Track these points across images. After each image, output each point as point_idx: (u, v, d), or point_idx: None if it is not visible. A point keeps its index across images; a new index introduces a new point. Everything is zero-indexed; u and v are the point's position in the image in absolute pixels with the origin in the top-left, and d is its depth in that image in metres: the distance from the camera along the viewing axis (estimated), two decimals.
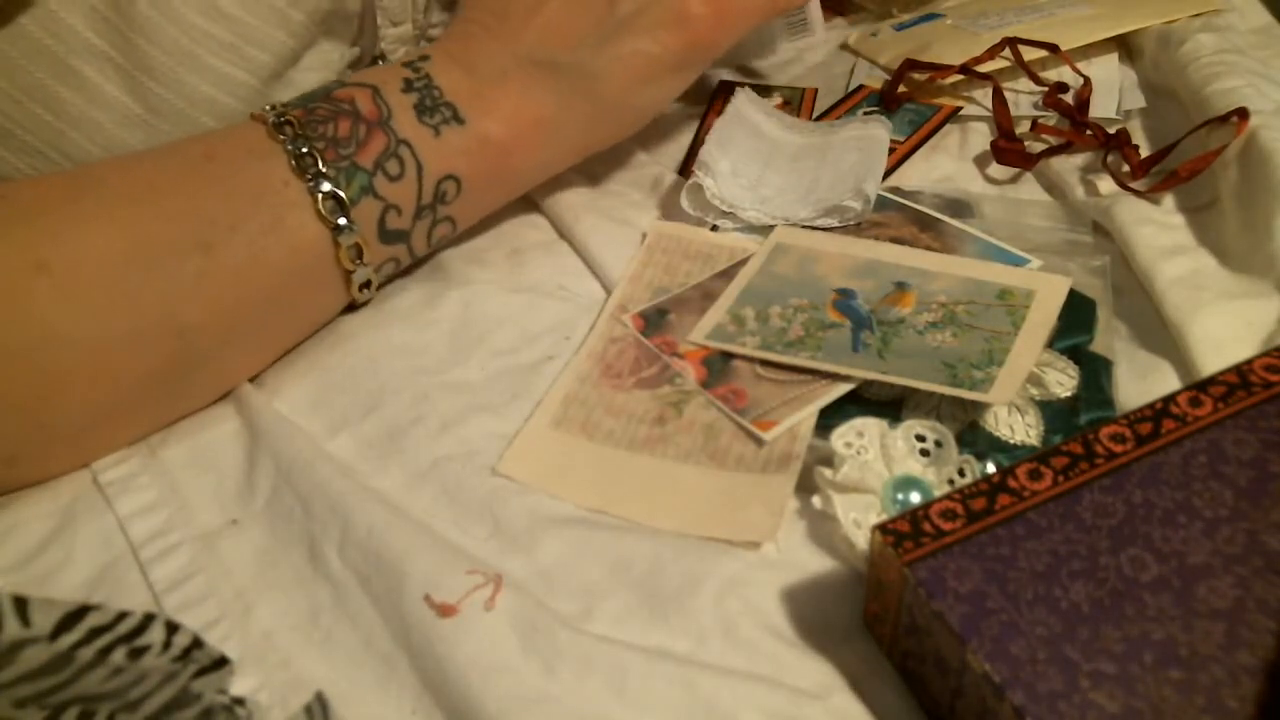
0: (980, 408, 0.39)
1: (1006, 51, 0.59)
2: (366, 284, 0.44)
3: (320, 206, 0.40)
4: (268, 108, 0.42)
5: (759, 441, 0.39)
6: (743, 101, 0.55)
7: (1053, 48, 0.58)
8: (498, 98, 0.45)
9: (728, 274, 0.46)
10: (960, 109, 0.57)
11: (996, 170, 0.54)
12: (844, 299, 0.44)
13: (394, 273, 0.45)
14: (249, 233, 0.39)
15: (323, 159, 0.41)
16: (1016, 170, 0.53)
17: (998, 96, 0.55)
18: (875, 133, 0.52)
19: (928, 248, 0.47)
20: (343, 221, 0.41)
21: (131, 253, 0.37)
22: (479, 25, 0.46)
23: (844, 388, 0.40)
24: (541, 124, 0.46)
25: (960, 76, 0.58)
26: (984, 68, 0.58)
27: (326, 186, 0.40)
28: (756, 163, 0.52)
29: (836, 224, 0.48)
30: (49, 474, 0.39)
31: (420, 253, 0.46)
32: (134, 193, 0.39)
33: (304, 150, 0.40)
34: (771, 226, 0.48)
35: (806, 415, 0.40)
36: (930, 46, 0.61)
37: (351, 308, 0.45)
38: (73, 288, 0.36)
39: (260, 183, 0.40)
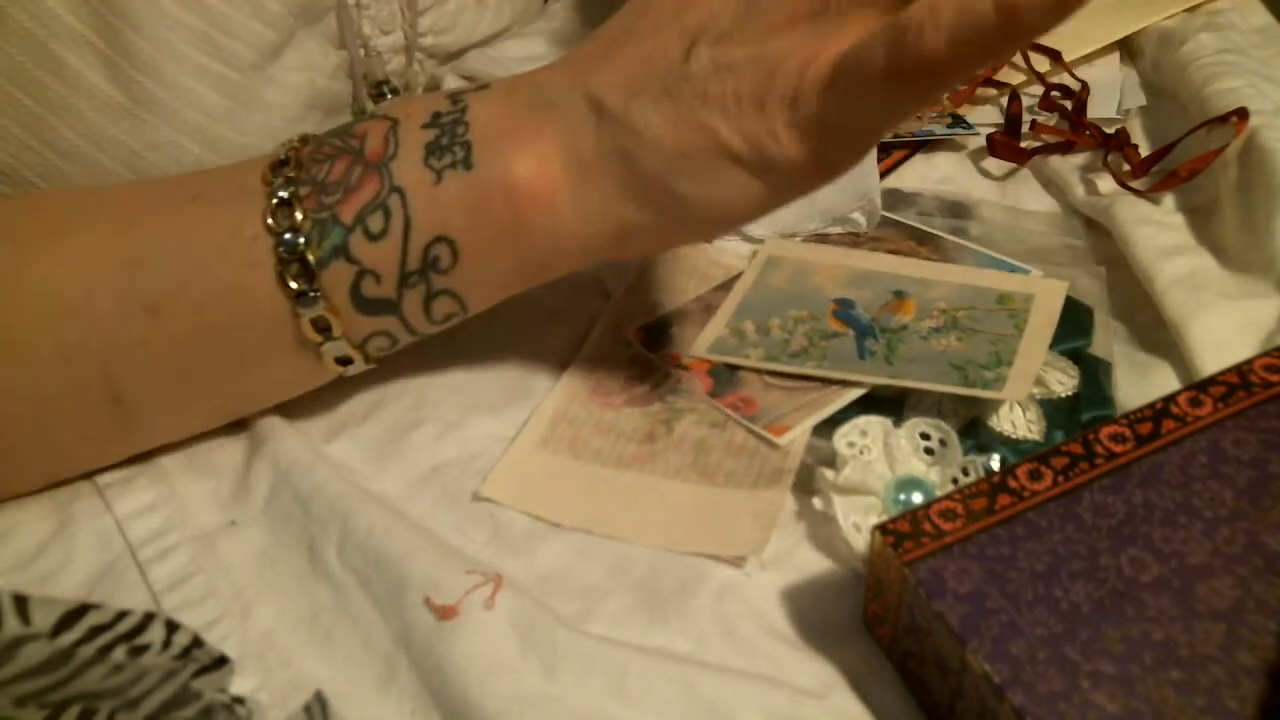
0: (984, 405, 0.39)
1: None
2: (347, 360, 0.38)
3: (284, 269, 0.35)
4: (295, 139, 0.37)
5: (773, 446, 0.39)
6: None
7: (1055, 54, 0.58)
8: (531, 135, 0.35)
9: (725, 287, 0.46)
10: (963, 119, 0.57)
11: (996, 168, 0.54)
12: (843, 308, 0.44)
13: (391, 347, 0.38)
14: (198, 296, 0.35)
15: (302, 208, 0.35)
16: (1015, 167, 0.54)
17: (1015, 101, 0.55)
18: None
19: (926, 260, 0.47)
20: (304, 289, 0.35)
21: (77, 308, 0.35)
22: (574, 52, 0.37)
23: (855, 392, 0.40)
24: (568, 174, 0.35)
25: (985, 88, 0.58)
26: (999, 75, 0.58)
27: (299, 242, 0.35)
28: None
29: (843, 231, 0.48)
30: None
31: (422, 329, 0.38)
32: (98, 237, 0.36)
33: (285, 195, 0.35)
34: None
35: (819, 420, 0.39)
36: None
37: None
38: (11, 340, 0.35)
39: (227, 234, 0.35)
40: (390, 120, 0.36)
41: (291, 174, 0.35)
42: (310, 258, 0.35)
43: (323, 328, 0.36)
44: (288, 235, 0.35)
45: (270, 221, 0.35)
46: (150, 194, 0.38)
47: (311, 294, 0.35)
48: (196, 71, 0.43)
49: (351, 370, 0.38)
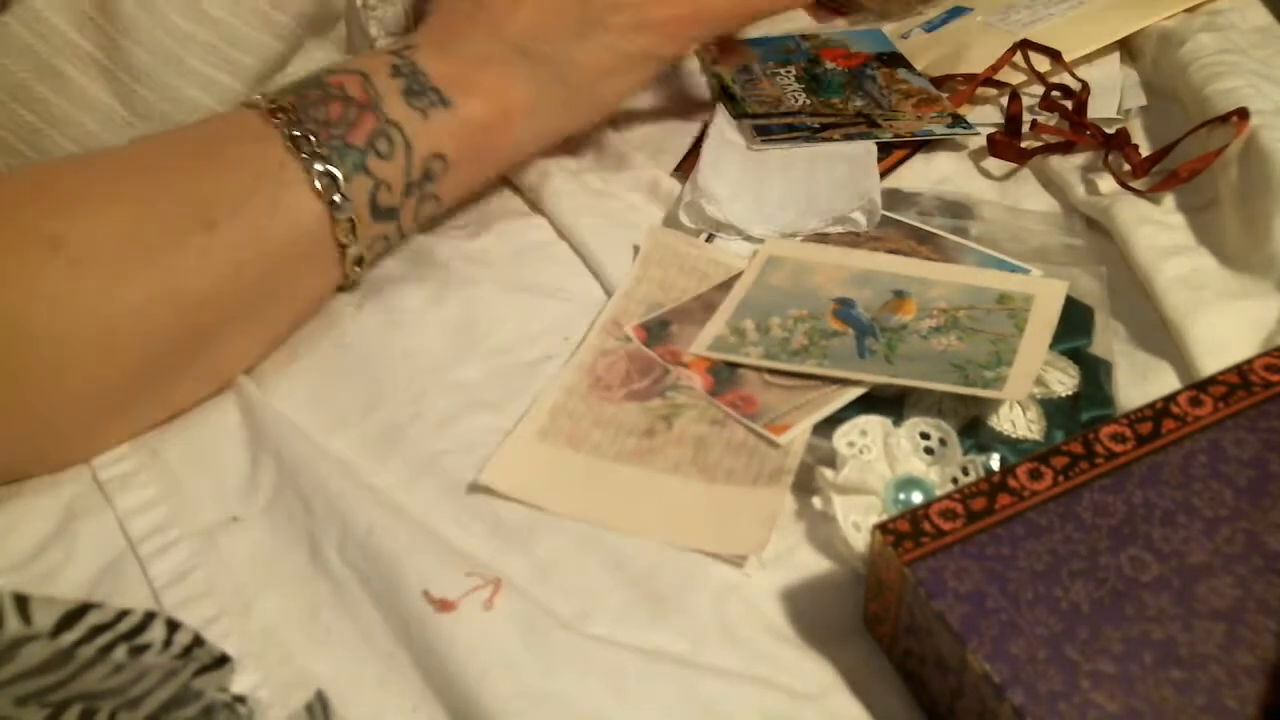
0: (984, 405, 0.39)
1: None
2: (359, 261, 0.44)
3: (316, 183, 0.41)
4: (259, 96, 0.42)
5: (773, 445, 0.39)
6: (723, 123, 0.55)
7: (1055, 54, 0.58)
8: (479, 80, 0.46)
9: (726, 286, 0.46)
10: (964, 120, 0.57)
11: (996, 168, 0.54)
12: (844, 308, 0.44)
13: (383, 252, 0.47)
14: (250, 211, 0.40)
15: (317, 139, 0.41)
16: (1015, 167, 0.54)
17: (1015, 101, 0.55)
18: (862, 145, 0.53)
19: (926, 259, 0.47)
20: (338, 198, 0.42)
21: (138, 228, 0.38)
22: (460, 14, 0.48)
23: (855, 392, 0.40)
24: (519, 106, 0.47)
25: (986, 88, 0.58)
26: (1000, 75, 0.58)
27: (321, 165, 0.41)
28: (750, 180, 0.52)
29: (844, 230, 0.48)
30: (55, 463, 0.39)
31: (408, 231, 0.47)
32: (139, 170, 0.40)
33: (298, 133, 0.41)
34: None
35: (819, 419, 0.39)
36: (968, 50, 0.61)
37: (345, 297, 0.46)
38: (83, 262, 0.36)
39: (259, 163, 0.41)
40: (360, 73, 0.44)
41: (293, 117, 0.42)
42: (338, 172, 0.42)
43: (349, 231, 0.43)
44: (315, 162, 0.41)
45: (297, 151, 0.41)
46: (164, 143, 0.42)
47: (344, 202, 0.42)
48: (204, 84, 0.44)
49: (357, 274, 0.45)
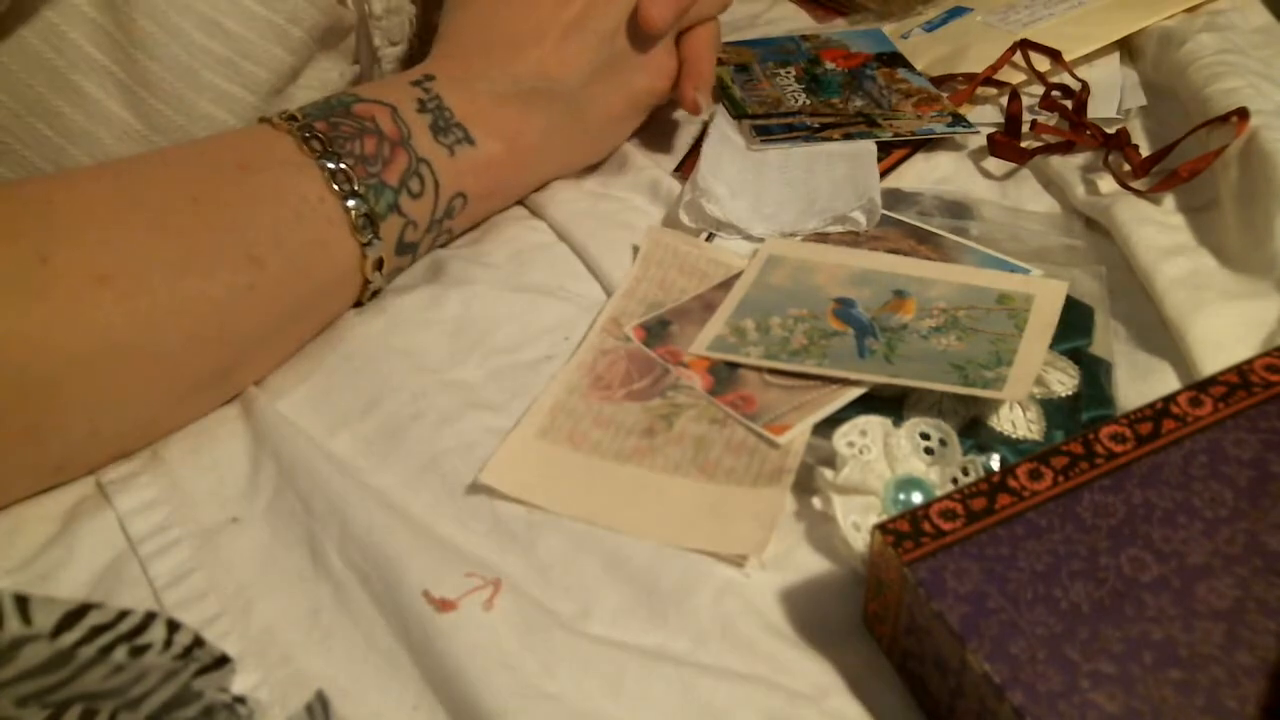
0: (984, 404, 0.39)
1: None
2: (375, 292, 0.45)
3: (355, 224, 0.42)
4: (283, 115, 0.43)
5: (773, 445, 0.39)
6: (722, 122, 0.55)
7: (1055, 53, 0.59)
8: (498, 119, 0.47)
9: (725, 286, 0.46)
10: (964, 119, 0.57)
11: (996, 168, 0.54)
12: (844, 308, 0.44)
13: (391, 279, 0.47)
14: (293, 247, 0.40)
15: (355, 176, 0.42)
16: (1015, 167, 0.54)
17: (1015, 101, 0.55)
18: (862, 145, 0.53)
19: (926, 259, 0.47)
20: (372, 238, 0.42)
21: (186, 264, 0.38)
22: (476, 45, 0.48)
23: (855, 392, 0.40)
24: (534, 146, 0.49)
25: (986, 88, 0.58)
26: (1000, 75, 0.58)
27: (359, 204, 0.42)
28: (750, 180, 0.52)
29: (844, 230, 0.48)
30: (89, 473, 0.39)
31: (418, 259, 0.48)
32: (177, 203, 0.39)
33: (332, 166, 0.41)
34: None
35: (819, 419, 0.39)
36: (968, 50, 0.61)
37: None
38: (134, 298, 0.36)
39: (299, 198, 0.41)
40: (388, 106, 0.45)
41: (328, 148, 0.42)
42: (374, 212, 0.42)
43: (377, 268, 0.44)
44: (353, 201, 0.42)
45: (336, 187, 0.41)
46: (194, 167, 0.41)
47: (376, 241, 0.43)
48: (218, 97, 0.45)
49: (368, 299, 0.46)
